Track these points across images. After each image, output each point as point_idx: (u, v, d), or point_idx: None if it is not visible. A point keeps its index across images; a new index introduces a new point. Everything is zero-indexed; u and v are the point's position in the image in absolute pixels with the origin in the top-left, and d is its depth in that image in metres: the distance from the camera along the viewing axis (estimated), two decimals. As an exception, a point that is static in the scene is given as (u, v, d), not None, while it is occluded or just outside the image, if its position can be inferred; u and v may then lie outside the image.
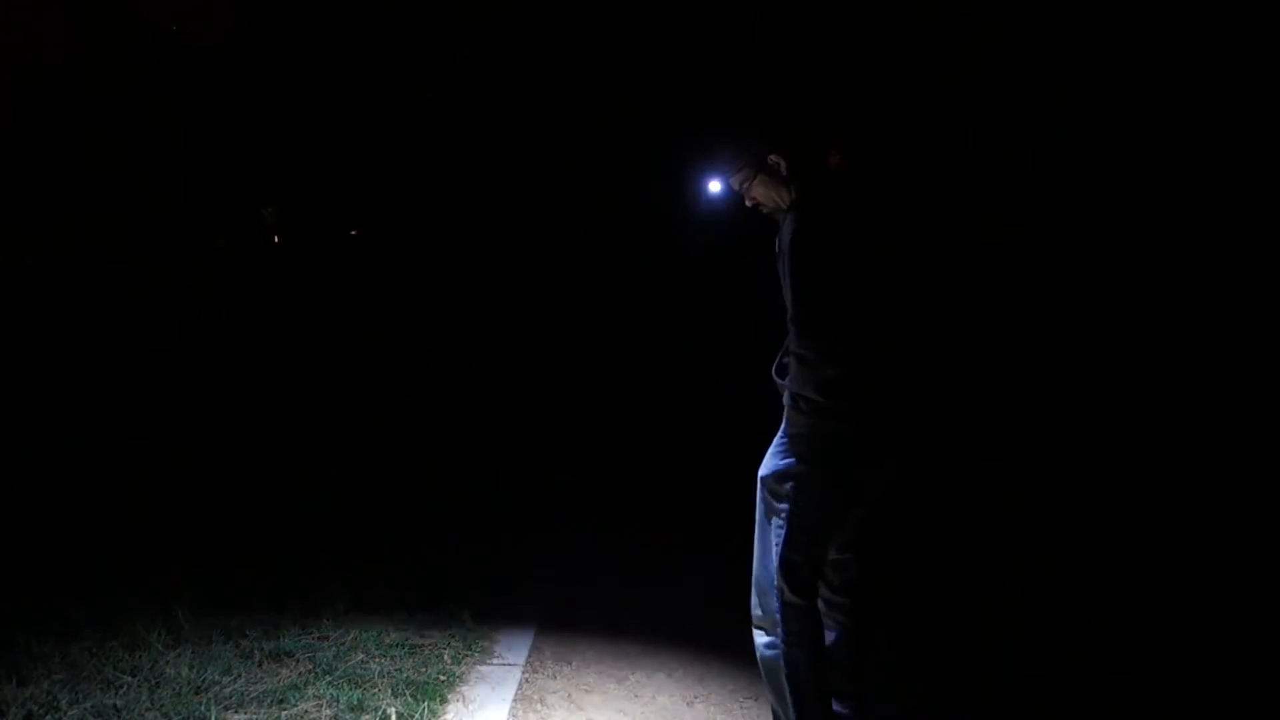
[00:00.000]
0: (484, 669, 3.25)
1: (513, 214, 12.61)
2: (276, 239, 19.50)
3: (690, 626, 3.57)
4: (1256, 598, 3.75)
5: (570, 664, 3.35)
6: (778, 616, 2.53)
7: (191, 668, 3.08)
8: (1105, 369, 7.39)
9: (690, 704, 3.08)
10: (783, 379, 2.54)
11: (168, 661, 3.13)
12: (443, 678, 3.13)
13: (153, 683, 2.99)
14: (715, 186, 2.65)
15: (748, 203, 2.62)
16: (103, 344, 9.37)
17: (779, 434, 2.58)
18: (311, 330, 10.88)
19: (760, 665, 2.65)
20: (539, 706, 3.06)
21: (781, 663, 2.54)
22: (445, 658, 3.27)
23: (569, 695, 3.13)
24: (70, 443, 6.06)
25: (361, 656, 3.22)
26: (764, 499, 2.60)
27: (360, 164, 15.75)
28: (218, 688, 2.97)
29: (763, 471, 2.58)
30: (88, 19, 12.85)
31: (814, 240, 2.48)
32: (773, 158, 2.54)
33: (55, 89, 15.85)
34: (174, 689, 2.95)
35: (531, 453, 6.08)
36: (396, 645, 3.33)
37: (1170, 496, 4.88)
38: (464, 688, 3.11)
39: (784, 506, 2.53)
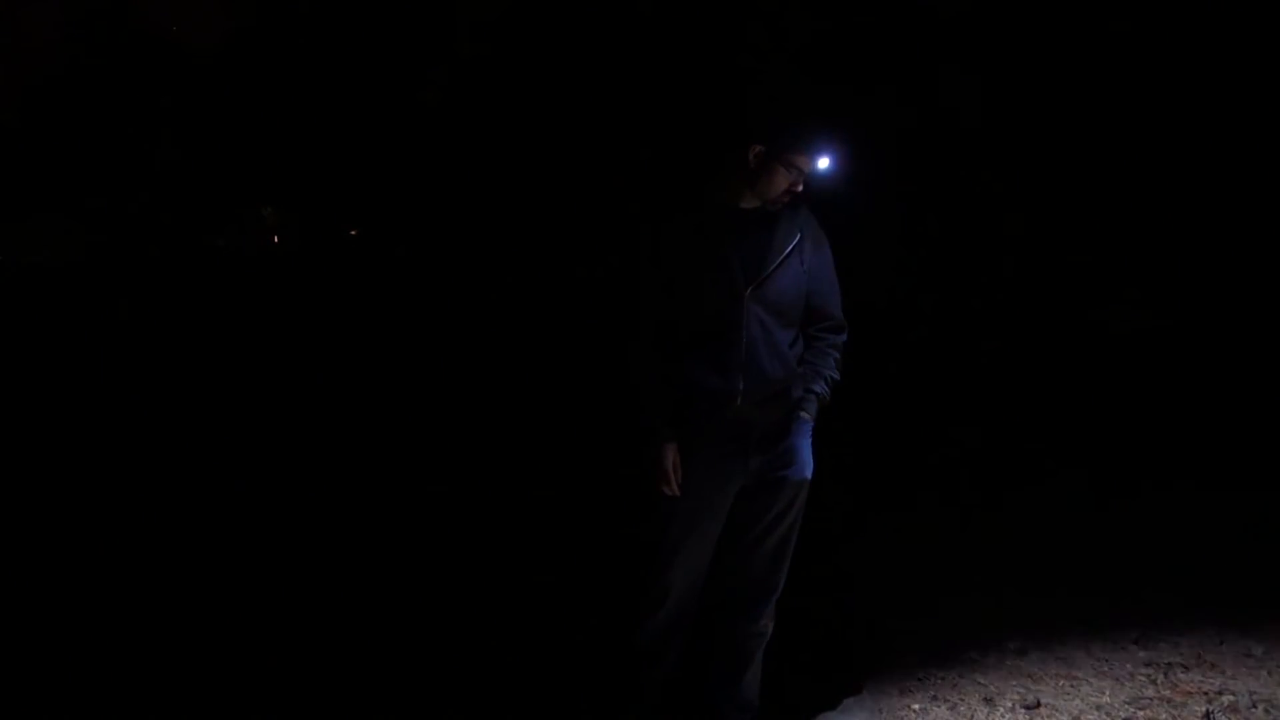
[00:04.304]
0: (484, 668, 3.24)
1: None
2: (276, 239, 19.51)
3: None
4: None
5: (574, 662, 3.32)
6: (774, 609, 2.71)
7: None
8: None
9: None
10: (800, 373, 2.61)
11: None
12: (444, 677, 3.13)
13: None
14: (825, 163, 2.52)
15: (798, 188, 2.54)
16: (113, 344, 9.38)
17: (801, 434, 2.61)
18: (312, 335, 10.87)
19: (758, 654, 2.75)
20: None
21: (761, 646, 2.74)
22: (445, 656, 3.27)
23: (569, 697, 3.12)
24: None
25: (365, 659, 3.22)
26: (801, 498, 2.65)
27: (360, 164, 15.75)
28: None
29: (807, 474, 2.63)
30: (86, 20, 12.84)
31: None
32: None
33: (53, 89, 15.89)
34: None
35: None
36: (398, 645, 3.32)
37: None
38: (466, 687, 3.10)
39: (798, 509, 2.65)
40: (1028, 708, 2.96)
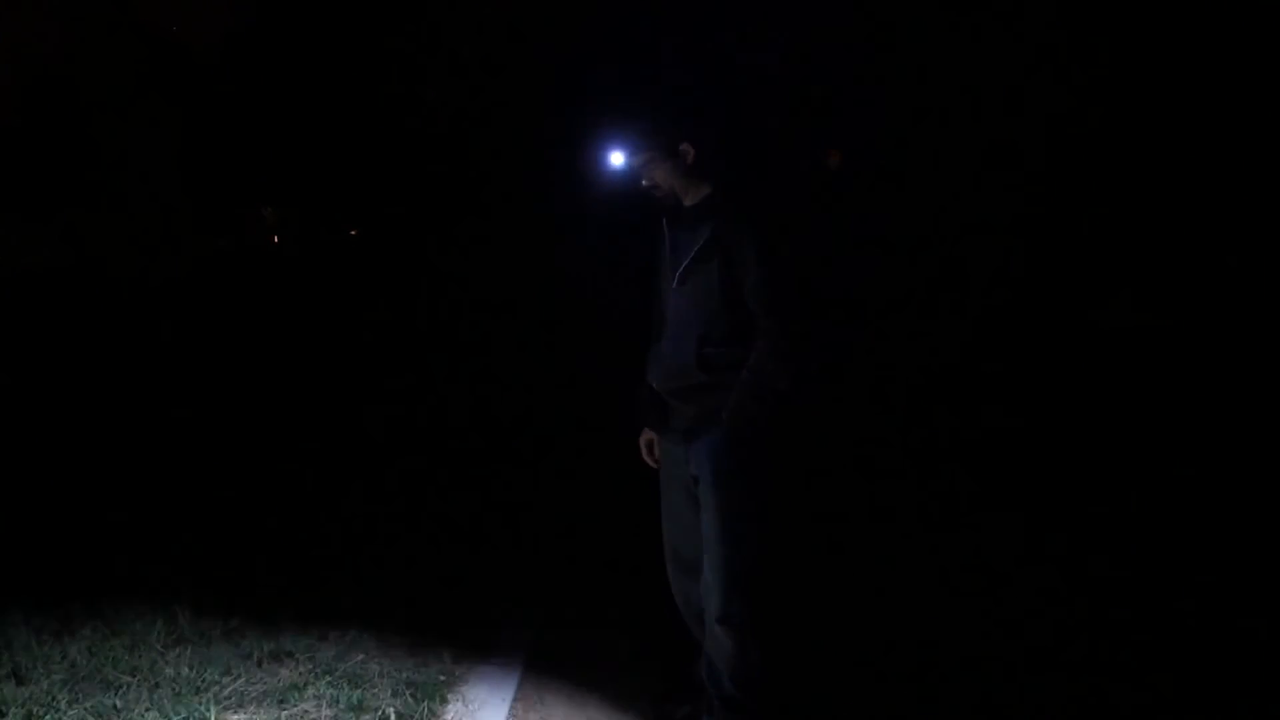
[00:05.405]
0: (484, 668, 3.24)
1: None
2: (276, 239, 19.50)
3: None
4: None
5: (573, 662, 3.34)
6: (749, 608, 2.64)
7: (191, 667, 3.05)
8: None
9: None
10: (710, 372, 2.59)
11: (167, 661, 3.09)
12: (442, 677, 3.12)
13: (152, 683, 2.96)
14: (618, 160, 2.66)
15: (645, 182, 2.68)
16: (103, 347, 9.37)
17: (712, 435, 2.61)
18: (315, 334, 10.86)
19: (717, 646, 2.72)
20: (539, 706, 3.05)
21: (750, 645, 2.66)
22: (446, 657, 3.27)
23: (570, 695, 3.12)
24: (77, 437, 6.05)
25: (361, 656, 3.21)
26: (722, 495, 2.62)
27: (359, 164, 15.74)
28: (217, 687, 2.94)
29: (710, 475, 2.61)
30: (86, 19, 12.81)
31: (781, 230, 2.62)
32: (684, 146, 2.62)
33: (54, 89, 15.90)
34: (173, 689, 2.92)
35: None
36: (397, 644, 3.33)
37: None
38: (464, 687, 3.10)
39: (739, 501, 2.61)
40: None
